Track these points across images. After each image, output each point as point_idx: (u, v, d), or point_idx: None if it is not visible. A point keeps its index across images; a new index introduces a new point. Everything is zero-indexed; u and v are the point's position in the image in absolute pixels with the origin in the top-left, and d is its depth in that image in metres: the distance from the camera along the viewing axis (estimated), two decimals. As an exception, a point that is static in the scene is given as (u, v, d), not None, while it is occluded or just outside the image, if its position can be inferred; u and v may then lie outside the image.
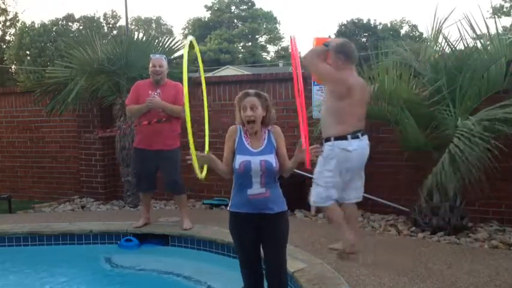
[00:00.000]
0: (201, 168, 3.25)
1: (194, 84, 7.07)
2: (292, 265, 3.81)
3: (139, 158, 5.45)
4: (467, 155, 4.46)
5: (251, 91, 3.11)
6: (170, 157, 5.27)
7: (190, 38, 3.36)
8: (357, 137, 4.12)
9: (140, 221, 5.42)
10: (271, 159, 3.04)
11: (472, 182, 4.73)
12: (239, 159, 3.05)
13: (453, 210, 5.04)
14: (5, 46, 34.95)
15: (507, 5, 37.46)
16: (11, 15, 36.21)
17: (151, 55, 5.44)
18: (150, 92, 5.25)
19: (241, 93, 3.12)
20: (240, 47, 59.60)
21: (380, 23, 53.95)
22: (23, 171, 8.43)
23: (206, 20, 61.87)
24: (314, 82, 6.07)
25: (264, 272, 3.18)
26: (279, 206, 3.09)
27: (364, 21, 52.16)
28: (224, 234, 4.95)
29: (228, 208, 3.19)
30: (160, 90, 5.27)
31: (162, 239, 5.21)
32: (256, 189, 3.03)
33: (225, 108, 6.83)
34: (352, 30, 51.22)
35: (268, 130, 3.14)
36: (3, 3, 34.68)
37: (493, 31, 5.12)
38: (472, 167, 4.60)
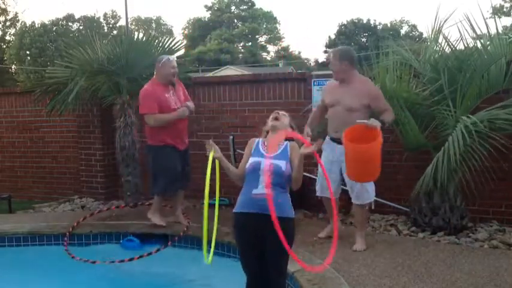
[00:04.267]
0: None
1: (194, 84, 7.08)
2: (292, 265, 3.80)
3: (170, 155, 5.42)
4: (462, 153, 4.47)
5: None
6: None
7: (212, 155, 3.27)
8: None
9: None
10: (282, 164, 3.13)
11: (469, 180, 4.75)
12: (251, 160, 3.19)
13: (453, 210, 5.04)
14: (5, 46, 34.95)
15: (507, 5, 37.49)
16: (11, 15, 36.24)
17: (167, 56, 5.46)
18: (166, 95, 5.36)
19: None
20: (240, 47, 59.61)
21: (380, 23, 54.00)
22: (23, 171, 8.43)
23: (206, 20, 61.89)
24: (314, 82, 6.07)
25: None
26: (281, 211, 3.05)
27: (364, 21, 52.15)
28: (224, 234, 4.95)
29: (233, 210, 3.25)
30: (171, 90, 5.43)
31: (162, 239, 5.20)
32: (261, 189, 3.08)
33: (225, 108, 6.84)
34: (352, 30, 51.22)
35: (287, 143, 3.26)
36: (3, 3, 34.69)
37: (493, 31, 5.12)
38: (467, 164, 4.64)
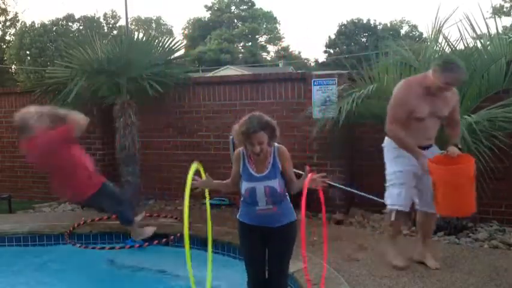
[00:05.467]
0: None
1: (194, 84, 7.08)
2: (292, 265, 3.80)
3: None
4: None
5: (255, 124, 2.91)
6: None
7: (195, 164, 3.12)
8: None
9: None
10: (275, 184, 3.07)
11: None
12: (244, 186, 3.12)
13: (453, 210, 5.03)
14: (5, 46, 34.94)
15: (507, 5, 37.50)
16: (11, 15, 36.24)
17: None
18: None
19: (245, 126, 2.92)
20: (240, 47, 59.62)
21: (380, 23, 54.01)
22: (23, 171, 8.42)
23: (206, 20, 61.91)
24: (314, 82, 6.06)
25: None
26: (287, 218, 3.17)
27: (364, 21, 52.13)
28: (224, 234, 4.96)
29: (237, 216, 3.27)
30: None
31: (163, 239, 5.20)
32: (262, 206, 3.10)
33: (225, 108, 6.84)
34: (352, 30, 51.20)
35: (274, 150, 3.09)
36: (3, 3, 34.68)
37: (493, 31, 5.12)
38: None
